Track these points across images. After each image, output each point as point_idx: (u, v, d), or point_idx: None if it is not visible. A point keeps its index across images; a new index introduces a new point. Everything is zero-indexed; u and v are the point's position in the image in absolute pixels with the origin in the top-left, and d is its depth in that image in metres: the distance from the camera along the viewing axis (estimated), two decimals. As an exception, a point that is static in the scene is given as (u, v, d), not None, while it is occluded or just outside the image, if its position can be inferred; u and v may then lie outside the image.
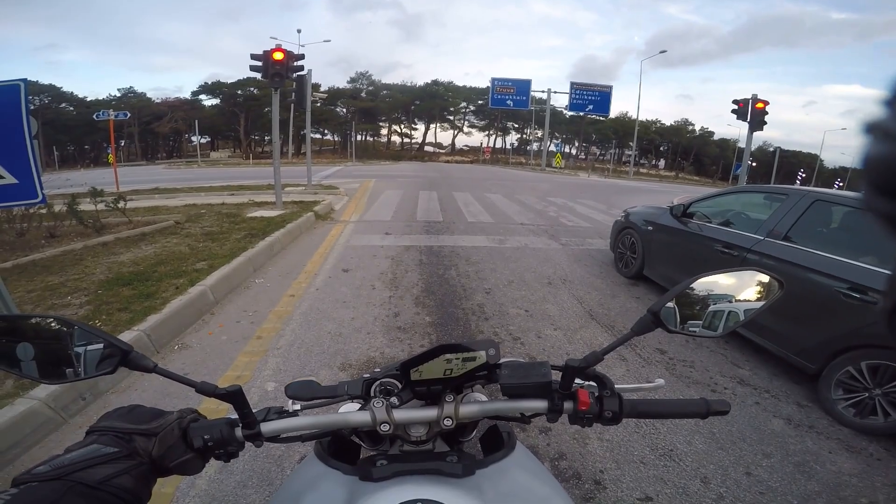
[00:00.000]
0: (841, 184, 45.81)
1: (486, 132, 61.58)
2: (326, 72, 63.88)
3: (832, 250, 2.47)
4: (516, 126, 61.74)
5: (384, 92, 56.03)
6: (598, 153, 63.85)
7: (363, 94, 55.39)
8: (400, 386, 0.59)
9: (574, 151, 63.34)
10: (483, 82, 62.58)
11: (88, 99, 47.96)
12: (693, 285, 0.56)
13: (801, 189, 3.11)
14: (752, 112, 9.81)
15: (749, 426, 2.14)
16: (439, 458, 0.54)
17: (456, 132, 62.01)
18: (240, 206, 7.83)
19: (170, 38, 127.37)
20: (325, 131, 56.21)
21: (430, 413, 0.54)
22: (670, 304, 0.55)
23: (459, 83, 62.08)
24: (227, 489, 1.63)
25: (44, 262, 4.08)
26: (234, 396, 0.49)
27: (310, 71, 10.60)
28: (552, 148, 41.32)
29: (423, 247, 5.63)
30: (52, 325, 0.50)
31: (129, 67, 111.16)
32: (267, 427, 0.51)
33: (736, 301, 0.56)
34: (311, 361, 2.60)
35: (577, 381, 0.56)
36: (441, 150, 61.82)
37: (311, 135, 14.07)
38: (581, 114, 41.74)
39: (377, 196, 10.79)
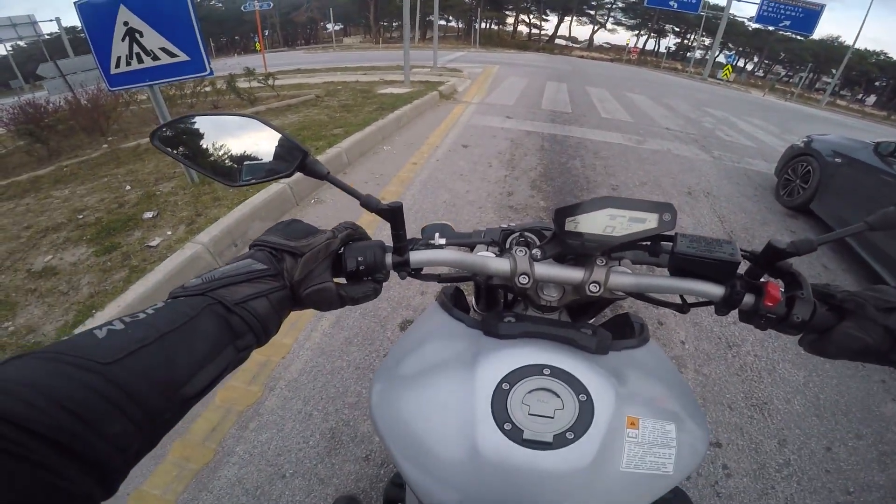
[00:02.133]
0: None
1: (636, 32, 51.47)
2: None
3: None
4: (677, 30, 50.22)
5: (513, -21, 49.55)
6: (784, 74, 49.43)
7: (490, -19, 49.92)
8: (539, 242, 0.52)
9: (750, 67, 49.98)
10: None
11: (235, -6, 52.30)
12: None
13: None
14: None
15: (860, 403, 1.80)
16: (572, 328, 0.48)
17: (596, 28, 53.14)
18: (371, 83, 8.12)
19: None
20: (450, 17, 53.20)
21: (577, 274, 0.46)
22: None
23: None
24: (336, 344, 1.80)
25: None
26: (395, 214, 0.46)
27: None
28: (721, 59, 32.83)
29: (547, 134, 5.25)
30: (234, 137, 0.49)
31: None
32: (415, 256, 0.48)
33: None
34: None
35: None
36: (575, 45, 54.20)
37: (438, 21, 13.43)
38: (771, 28, 31.46)
39: (500, 82, 10.12)
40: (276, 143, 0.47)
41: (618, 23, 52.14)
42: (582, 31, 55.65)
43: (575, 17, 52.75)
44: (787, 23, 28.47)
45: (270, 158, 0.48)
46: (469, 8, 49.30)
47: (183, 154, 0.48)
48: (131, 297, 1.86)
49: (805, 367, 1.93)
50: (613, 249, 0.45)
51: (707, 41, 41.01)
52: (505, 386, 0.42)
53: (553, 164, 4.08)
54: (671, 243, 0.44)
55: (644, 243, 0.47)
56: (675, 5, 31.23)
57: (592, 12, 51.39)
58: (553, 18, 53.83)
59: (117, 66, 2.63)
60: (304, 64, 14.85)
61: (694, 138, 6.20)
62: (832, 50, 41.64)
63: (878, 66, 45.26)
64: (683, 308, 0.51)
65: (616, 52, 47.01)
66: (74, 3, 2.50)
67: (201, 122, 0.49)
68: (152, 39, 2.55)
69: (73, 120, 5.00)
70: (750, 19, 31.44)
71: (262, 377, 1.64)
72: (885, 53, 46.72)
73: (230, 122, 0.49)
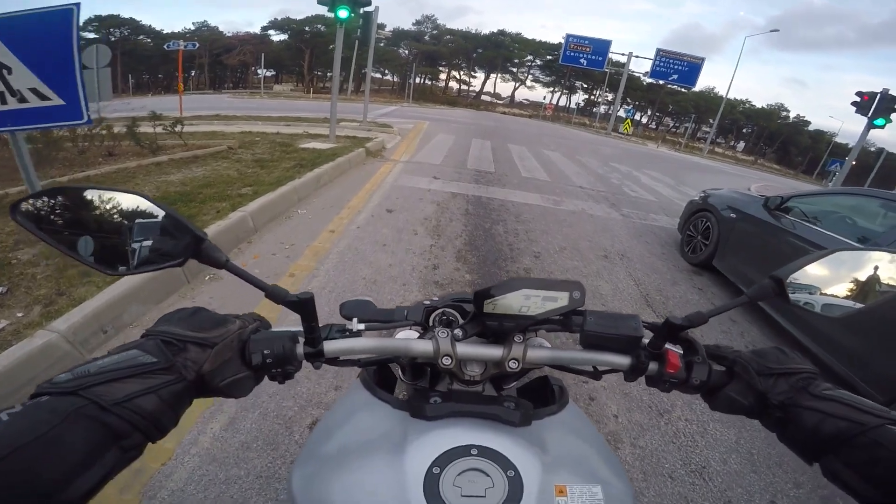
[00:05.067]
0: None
1: (551, 88, 57.98)
2: (393, 10, 62.25)
3: None
4: (585, 86, 57.65)
5: (448, 37, 54.86)
6: (672, 125, 58.42)
7: (426, 38, 54.70)
8: (461, 319, 0.56)
9: (645, 120, 58.37)
10: (559, 38, 57.90)
11: (165, 31, 50.86)
12: (827, 258, 0.48)
13: None
14: (877, 105, 8.73)
15: (791, 453, 1.89)
16: (495, 403, 0.50)
17: (518, 84, 59.27)
18: (294, 136, 7.83)
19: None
20: (386, 71, 56.17)
21: (496, 352, 0.49)
22: (797, 274, 0.48)
23: (531, 35, 59.04)
24: (230, 450, 1.52)
25: (97, 178, 4.24)
26: (305, 306, 0.45)
27: (377, 8, 10.19)
28: (621, 113, 37.94)
29: (472, 196, 5.33)
30: (115, 217, 0.44)
31: (204, 3, 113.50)
32: (329, 346, 0.48)
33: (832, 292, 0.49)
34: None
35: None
36: (499, 101, 59.80)
37: (372, 74, 13.91)
38: (661, 82, 37.73)
39: (429, 139, 10.44)
40: (167, 226, 0.44)
41: (536, 80, 58.68)
42: (505, 87, 61.62)
43: (499, 75, 58.23)
44: (675, 76, 34.08)
45: (159, 243, 0.44)
46: (405, 63, 52.44)
47: (52, 234, 0.42)
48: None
49: (734, 425, 1.96)
50: (530, 326, 0.48)
51: (610, 96, 47.14)
52: (436, 469, 0.43)
53: (478, 231, 4.07)
54: (582, 316, 0.49)
55: (558, 318, 0.49)
56: (585, 63, 35.96)
57: (514, 69, 57.28)
58: (480, 75, 59.12)
59: (-28, 105, 2.22)
60: (226, 110, 14.28)
61: (605, 196, 6.74)
62: (710, 100, 50.26)
63: (744, 114, 55.37)
64: (595, 376, 0.54)
65: (534, 109, 52.65)
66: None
67: (76, 197, 0.44)
68: (22, 77, 2.20)
69: None
70: (645, 74, 37.05)
71: (137, 486, 1.37)
72: (750, 102, 57.31)
73: (112, 199, 0.45)
